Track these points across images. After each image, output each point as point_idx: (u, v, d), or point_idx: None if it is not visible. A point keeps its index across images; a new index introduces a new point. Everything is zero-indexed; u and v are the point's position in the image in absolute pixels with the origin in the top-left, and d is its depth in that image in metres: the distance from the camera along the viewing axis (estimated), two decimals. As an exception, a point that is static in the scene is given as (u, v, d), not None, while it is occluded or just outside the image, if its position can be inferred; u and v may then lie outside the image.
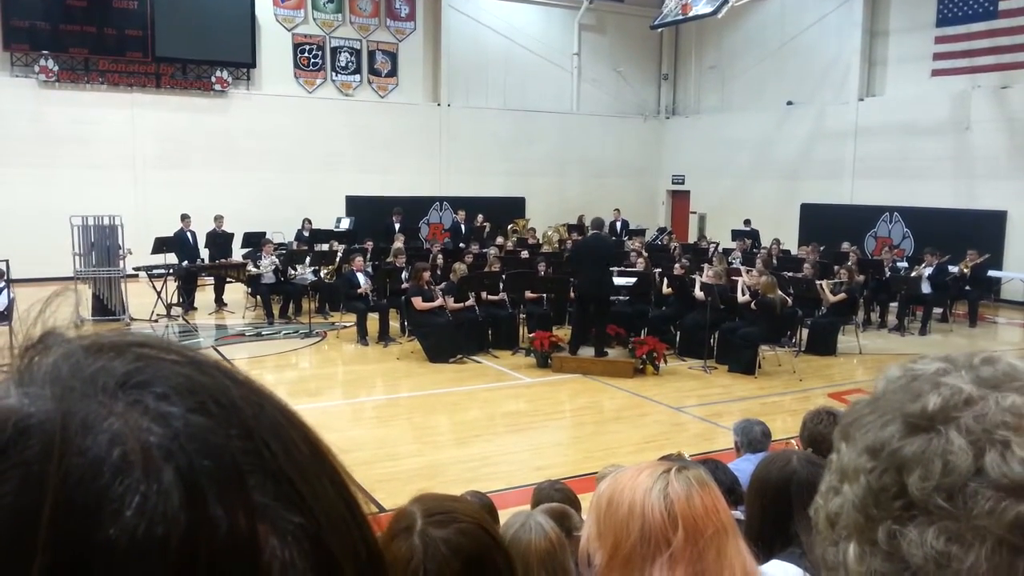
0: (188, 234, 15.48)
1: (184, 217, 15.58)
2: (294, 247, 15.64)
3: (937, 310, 14.61)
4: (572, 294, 12.59)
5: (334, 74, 21.23)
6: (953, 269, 14.75)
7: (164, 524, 0.37)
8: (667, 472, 1.41)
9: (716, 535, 1.36)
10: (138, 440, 0.39)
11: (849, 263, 13.95)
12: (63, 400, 0.40)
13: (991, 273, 16.06)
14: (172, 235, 15.32)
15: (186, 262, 14.93)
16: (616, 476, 1.46)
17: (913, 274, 14.42)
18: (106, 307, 13.32)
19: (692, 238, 22.08)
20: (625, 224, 21.15)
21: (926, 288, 14.16)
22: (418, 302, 11.43)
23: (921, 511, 0.58)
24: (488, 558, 1.39)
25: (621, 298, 12.80)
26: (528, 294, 12.74)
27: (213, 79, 19.59)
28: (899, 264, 15.69)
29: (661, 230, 22.66)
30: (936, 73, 18.59)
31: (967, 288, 14.93)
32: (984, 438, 0.58)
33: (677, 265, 13.14)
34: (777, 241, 17.22)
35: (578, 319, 11.52)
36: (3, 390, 0.41)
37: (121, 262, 13.44)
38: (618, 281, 12.89)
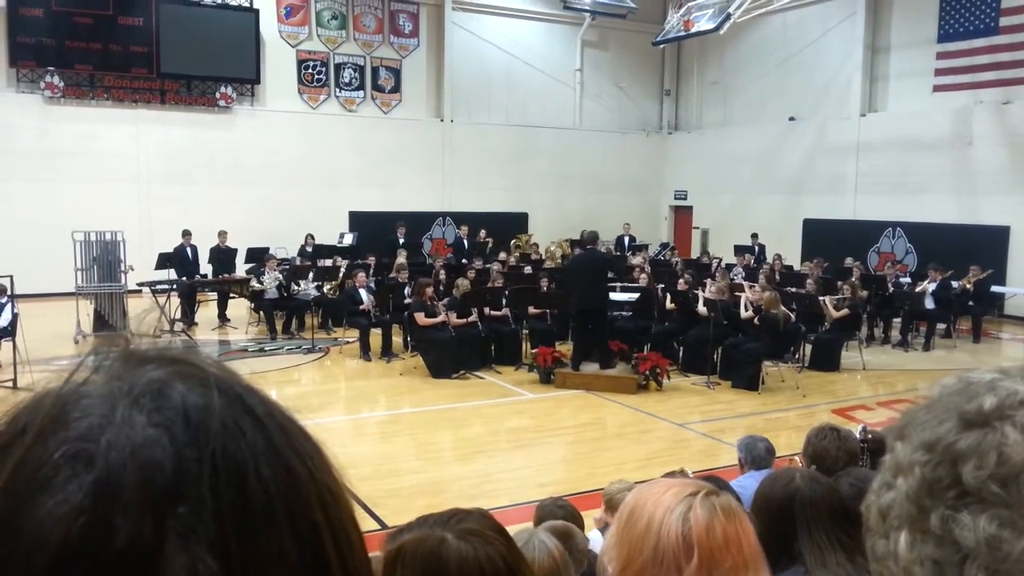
0: (188, 249, 15.51)
1: (185, 233, 15.61)
2: (297, 262, 15.67)
3: (941, 326, 14.58)
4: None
5: (338, 90, 21.33)
6: (956, 284, 14.73)
7: (62, 524, 0.39)
8: (694, 495, 1.35)
9: (734, 569, 1.29)
10: (81, 444, 0.41)
11: (852, 278, 13.93)
12: (103, 399, 0.43)
13: (994, 289, 16.01)
14: (173, 251, 15.35)
15: (184, 277, 14.96)
16: (643, 489, 1.42)
17: (917, 289, 14.40)
18: (107, 322, 13.33)
19: (695, 253, 22.08)
20: (632, 239, 21.16)
21: (930, 304, 14.14)
22: (421, 318, 11.43)
23: (974, 499, 0.61)
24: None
25: (624, 314, 12.80)
26: (531, 310, 12.73)
27: (217, 95, 19.69)
28: (902, 279, 15.67)
29: (664, 245, 22.67)
30: (938, 89, 18.64)
31: (971, 304, 14.89)
32: None
33: (680, 281, 13.13)
34: (779, 256, 17.22)
35: (578, 335, 11.52)
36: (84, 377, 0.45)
37: (123, 277, 13.45)
38: (620, 297, 12.90)
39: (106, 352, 0.47)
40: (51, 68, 18.06)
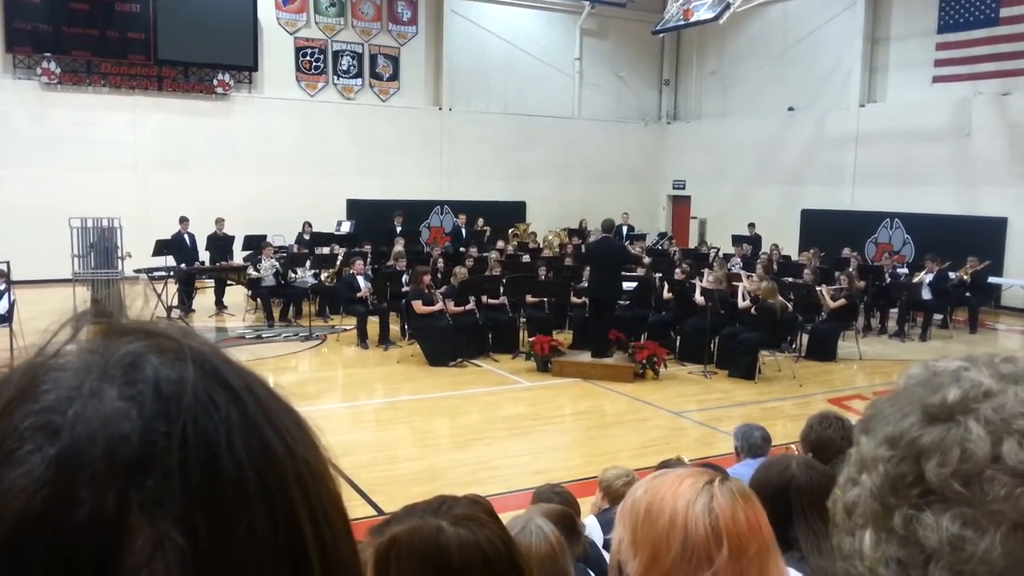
0: (186, 236, 15.49)
1: (183, 219, 15.58)
2: (294, 250, 15.65)
3: (937, 316, 14.60)
4: (575, 298, 12.64)
5: (336, 78, 21.26)
6: (953, 275, 14.75)
7: (22, 496, 0.38)
8: (711, 483, 1.32)
9: (759, 553, 1.28)
10: (47, 416, 0.41)
11: (850, 269, 13.96)
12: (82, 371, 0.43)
13: (991, 280, 16.04)
14: (170, 237, 15.34)
15: (183, 264, 14.94)
16: (654, 483, 1.38)
17: (914, 280, 14.42)
18: (104, 309, 13.29)
19: (693, 243, 22.08)
20: (631, 229, 21.15)
21: (926, 294, 14.16)
22: (418, 306, 11.44)
23: (938, 497, 0.60)
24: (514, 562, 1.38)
25: (621, 302, 12.81)
26: (528, 298, 12.74)
27: (215, 82, 19.62)
28: (899, 270, 15.69)
29: (662, 235, 22.67)
30: (937, 80, 18.61)
31: (967, 294, 14.92)
32: (1002, 428, 0.59)
33: (678, 270, 13.13)
34: (777, 246, 17.21)
35: (594, 323, 11.52)
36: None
37: (120, 263, 13.44)
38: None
39: (82, 325, 0.46)
40: (48, 54, 17.98)
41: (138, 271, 14.15)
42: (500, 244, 17.31)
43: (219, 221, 16.04)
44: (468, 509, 1.43)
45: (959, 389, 0.62)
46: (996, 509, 0.57)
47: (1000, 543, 0.57)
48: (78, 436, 0.40)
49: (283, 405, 0.47)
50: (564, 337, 12.21)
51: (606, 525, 3.36)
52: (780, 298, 11.15)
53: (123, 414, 0.41)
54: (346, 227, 18.65)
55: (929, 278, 14.29)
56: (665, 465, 3.38)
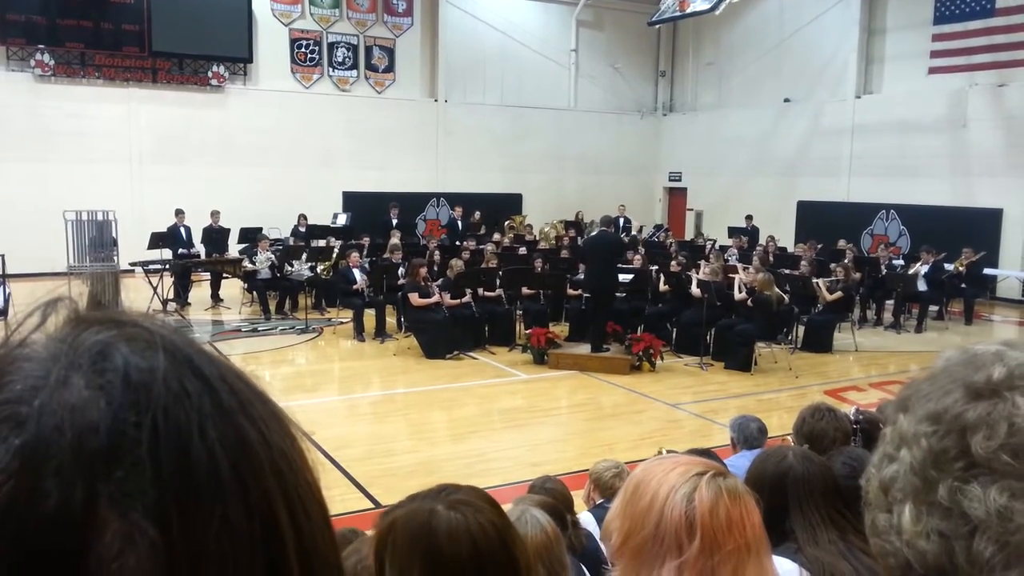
0: (182, 229, 15.47)
1: (178, 212, 15.56)
2: (290, 243, 15.62)
3: (933, 308, 14.63)
4: (572, 291, 12.65)
5: (331, 69, 21.19)
6: (949, 267, 14.77)
7: None
8: (700, 475, 1.34)
9: (736, 552, 1.28)
10: (13, 407, 0.40)
11: (845, 260, 13.98)
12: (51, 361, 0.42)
13: (987, 271, 16.08)
14: (166, 230, 15.30)
15: (182, 251, 14.92)
16: (651, 464, 1.41)
17: (910, 272, 14.44)
18: (100, 302, 13.25)
19: (689, 235, 22.09)
20: (628, 221, 21.14)
21: (922, 286, 14.18)
22: (415, 298, 11.42)
23: (984, 470, 0.61)
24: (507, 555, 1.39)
25: (618, 295, 12.81)
26: (525, 290, 12.73)
27: (210, 74, 19.55)
28: (895, 262, 15.71)
29: (658, 227, 22.67)
30: (933, 71, 18.60)
31: (963, 286, 14.95)
32: None
33: (674, 262, 13.14)
34: (773, 238, 17.23)
35: (593, 316, 11.53)
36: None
37: (115, 257, 13.39)
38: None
39: (49, 313, 0.46)
40: (41, 46, 17.89)
41: (134, 264, 14.11)
42: (496, 236, 17.29)
43: (214, 214, 16.01)
44: (466, 495, 1.44)
45: (1005, 367, 0.64)
46: None
47: None
48: (44, 426, 0.39)
49: (258, 394, 0.46)
50: (560, 329, 12.22)
51: (600, 520, 3.37)
52: (776, 290, 11.15)
53: (91, 404, 0.40)
54: (342, 219, 18.62)
55: (925, 269, 14.31)
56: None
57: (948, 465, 0.62)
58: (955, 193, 17.85)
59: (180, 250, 15.19)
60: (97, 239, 13.27)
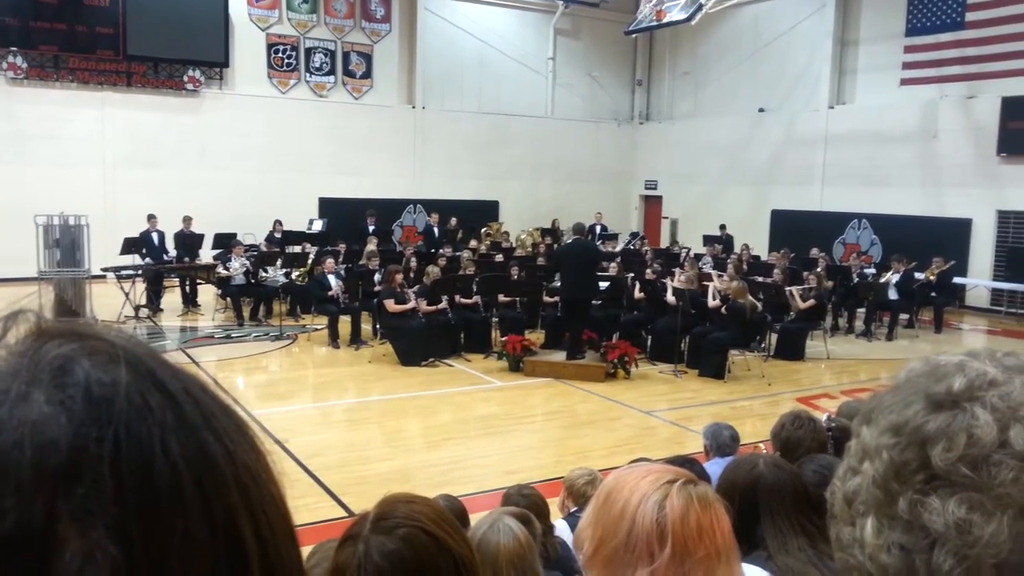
0: (154, 234, 15.32)
1: (151, 217, 15.41)
2: (265, 248, 15.52)
3: (904, 316, 14.80)
4: (549, 298, 12.66)
5: (308, 75, 21.12)
6: (920, 276, 14.96)
7: None
8: (671, 483, 1.35)
9: (707, 559, 1.30)
10: None
11: (818, 269, 14.12)
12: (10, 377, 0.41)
13: (956, 280, 16.31)
14: (138, 235, 15.15)
15: (150, 261, 14.75)
16: (623, 473, 1.42)
17: (881, 280, 14.61)
18: (70, 308, 13.12)
19: (664, 243, 22.21)
20: (604, 229, 21.22)
21: (893, 294, 14.35)
22: (390, 305, 11.39)
23: (943, 482, 0.60)
24: (429, 564, 1.36)
25: (593, 302, 12.85)
26: (501, 298, 12.74)
27: (185, 78, 19.42)
28: (867, 270, 15.89)
29: (634, 235, 22.77)
30: (905, 82, 18.87)
31: (933, 295, 15.14)
32: (1009, 414, 0.60)
33: (649, 270, 13.19)
34: (747, 247, 17.36)
35: (567, 324, 11.53)
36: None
37: (86, 262, 13.23)
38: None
39: (10, 326, 0.44)
40: (14, 48, 17.68)
41: (106, 269, 13.95)
42: (473, 243, 17.29)
43: (187, 219, 15.86)
44: (394, 510, 1.44)
45: (965, 378, 0.63)
46: (1003, 493, 0.58)
47: (1007, 527, 0.58)
48: (3, 443, 0.38)
49: (224, 407, 0.46)
50: (536, 337, 12.23)
51: (574, 528, 3.37)
52: (750, 298, 11.24)
53: (51, 419, 0.39)
54: (318, 225, 18.53)
55: (896, 278, 14.49)
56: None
57: (909, 477, 0.62)
58: (926, 203, 18.09)
59: (151, 257, 15.02)
60: (67, 244, 13.11)
